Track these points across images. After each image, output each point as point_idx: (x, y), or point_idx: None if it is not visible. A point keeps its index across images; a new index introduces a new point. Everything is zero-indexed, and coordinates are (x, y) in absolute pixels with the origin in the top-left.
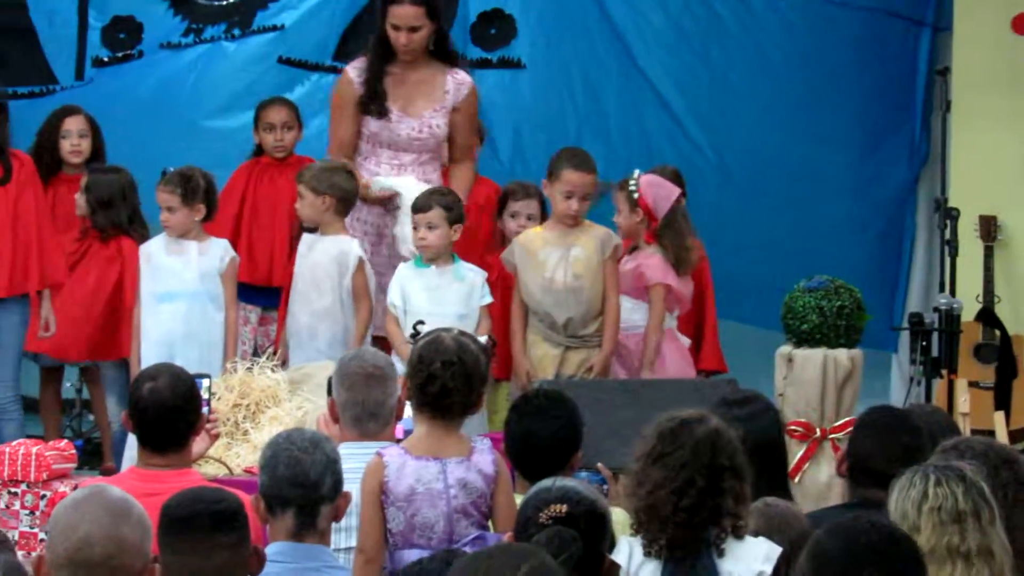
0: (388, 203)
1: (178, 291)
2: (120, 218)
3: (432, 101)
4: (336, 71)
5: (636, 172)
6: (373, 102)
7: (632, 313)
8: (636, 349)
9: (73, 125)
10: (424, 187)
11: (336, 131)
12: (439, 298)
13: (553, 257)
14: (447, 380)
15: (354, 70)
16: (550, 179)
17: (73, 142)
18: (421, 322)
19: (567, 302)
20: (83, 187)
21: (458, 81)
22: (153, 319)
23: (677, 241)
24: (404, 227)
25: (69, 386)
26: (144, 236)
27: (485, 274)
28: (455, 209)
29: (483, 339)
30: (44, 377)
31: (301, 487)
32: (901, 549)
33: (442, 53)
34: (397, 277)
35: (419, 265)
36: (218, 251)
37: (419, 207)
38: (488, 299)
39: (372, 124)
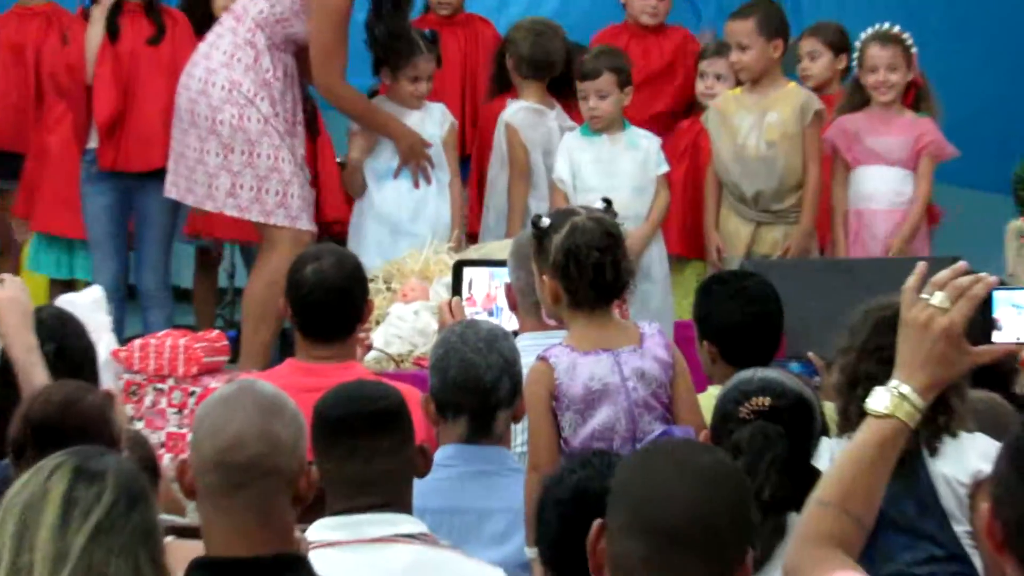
0: None
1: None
2: None
3: None
4: None
5: (895, 27)
6: None
7: (904, 184)
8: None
9: None
10: None
11: None
12: (611, 170)
13: (747, 122)
14: (608, 264)
15: None
16: None
17: None
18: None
19: (758, 172)
20: None
21: None
22: (379, 196)
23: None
24: None
25: (221, 271)
26: None
27: (659, 140)
28: (625, 71)
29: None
30: (199, 262)
31: (475, 393)
32: None
33: None
34: (564, 149)
35: (587, 134)
36: (436, 115)
37: (587, 73)
38: (664, 167)
39: None
